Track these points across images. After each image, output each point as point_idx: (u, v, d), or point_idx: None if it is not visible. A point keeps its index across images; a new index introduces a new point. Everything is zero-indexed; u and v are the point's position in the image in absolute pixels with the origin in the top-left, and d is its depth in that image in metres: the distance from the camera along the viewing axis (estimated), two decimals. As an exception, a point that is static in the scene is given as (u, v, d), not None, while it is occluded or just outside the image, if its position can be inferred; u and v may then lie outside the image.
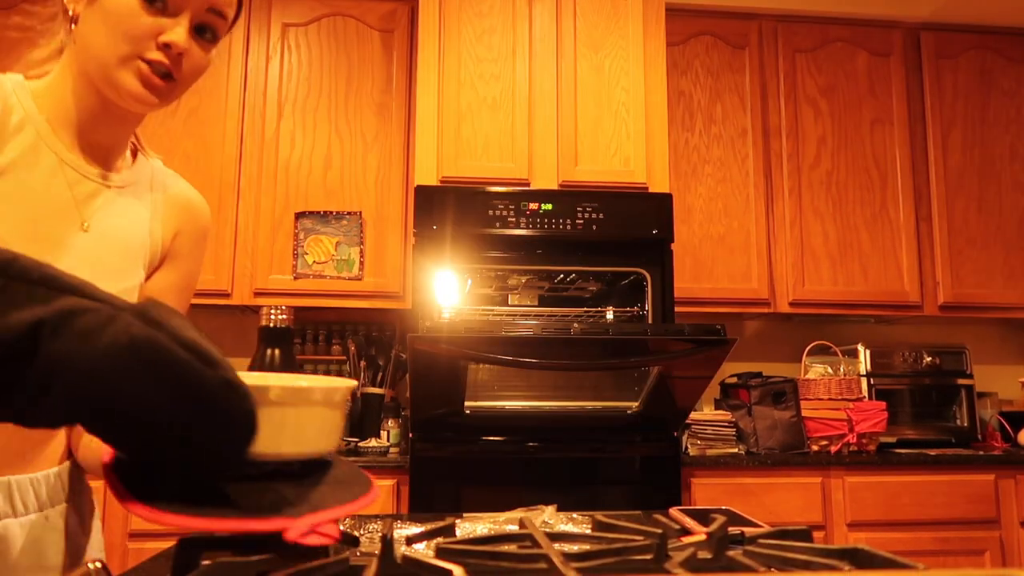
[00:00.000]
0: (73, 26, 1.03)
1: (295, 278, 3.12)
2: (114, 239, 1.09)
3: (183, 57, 1.01)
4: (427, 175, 2.86)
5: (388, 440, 3.07)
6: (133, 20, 0.98)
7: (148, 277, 1.17)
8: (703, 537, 0.88)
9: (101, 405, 0.57)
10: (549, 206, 2.80)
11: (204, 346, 0.61)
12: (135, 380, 0.57)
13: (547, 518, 1.08)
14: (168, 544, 0.88)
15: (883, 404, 3.09)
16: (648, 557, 0.79)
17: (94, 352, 0.56)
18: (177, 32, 1.00)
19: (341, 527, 1.02)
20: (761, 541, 0.88)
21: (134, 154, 1.17)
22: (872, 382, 3.29)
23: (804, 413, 3.08)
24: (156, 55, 0.99)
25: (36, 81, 1.07)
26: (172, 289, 1.19)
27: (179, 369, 0.59)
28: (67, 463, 1.13)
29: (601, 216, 2.81)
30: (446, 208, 2.78)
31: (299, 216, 3.17)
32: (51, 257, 0.99)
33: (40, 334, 0.56)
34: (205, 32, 1.04)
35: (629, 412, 2.67)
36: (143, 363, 0.57)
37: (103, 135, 1.08)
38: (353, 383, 0.78)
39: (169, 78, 1.01)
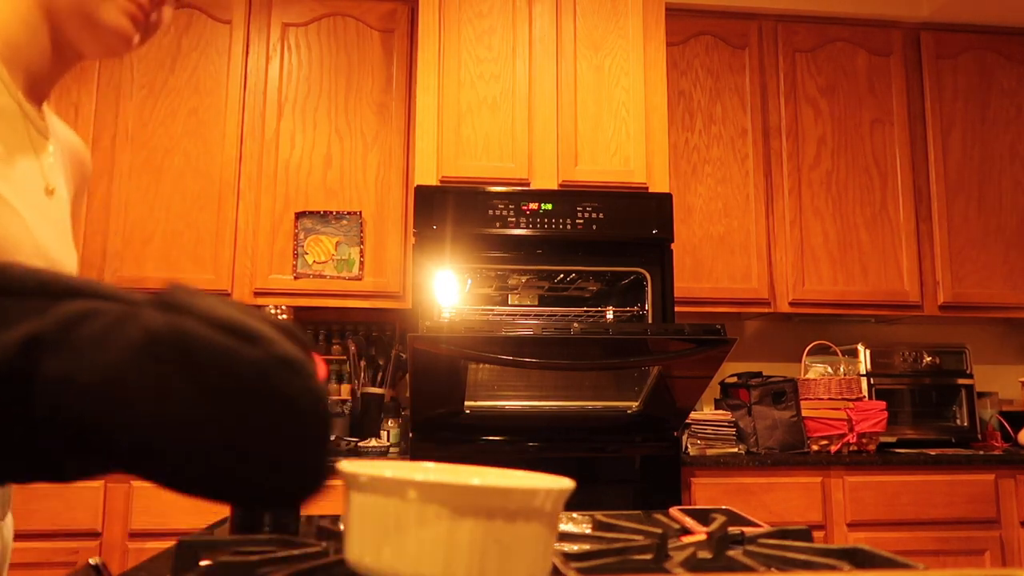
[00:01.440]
0: None
1: (295, 278, 3.12)
2: (64, 205, 0.96)
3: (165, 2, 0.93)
4: (427, 175, 2.86)
5: (388, 440, 3.07)
6: None
7: None
8: (703, 537, 0.88)
9: (127, 431, 0.43)
10: (549, 206, 2.80)
11: (245, 321, 0.45)
12: (161, 385, 0.42)
13: (547, 518, 1.08)
14: (168, 544, 0.89)
15: (883, 404, 3.09)
16: (648, 557, 0.79)
17: (104, 361, 0.42)
18: None
19: (341, 527, 1.02)
20: (761, 541, 0.88)
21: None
22: (872, 382, 3.28)
23: (804, 413, 3.08)
24: None
25: None
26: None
27: (213, 356, 0.44)
28: None
29: (601, 216, 2.81)
30: (446, 208, 2.78)
31: (299, 216, 3.17)
32: (34, 218, 0.86)
33: (35, 352, 0.42)
34: None
35: (629, 412, 2.67)
36: (167, 361, 0.43)
37: (49, 79, 0.94)
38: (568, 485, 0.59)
39: (146, 21, 0.92)
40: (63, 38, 0.91)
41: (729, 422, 3.03)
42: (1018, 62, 3.62)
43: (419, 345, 2.25)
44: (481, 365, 2.52)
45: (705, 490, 2.84)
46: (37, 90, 0.92)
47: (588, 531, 0.95)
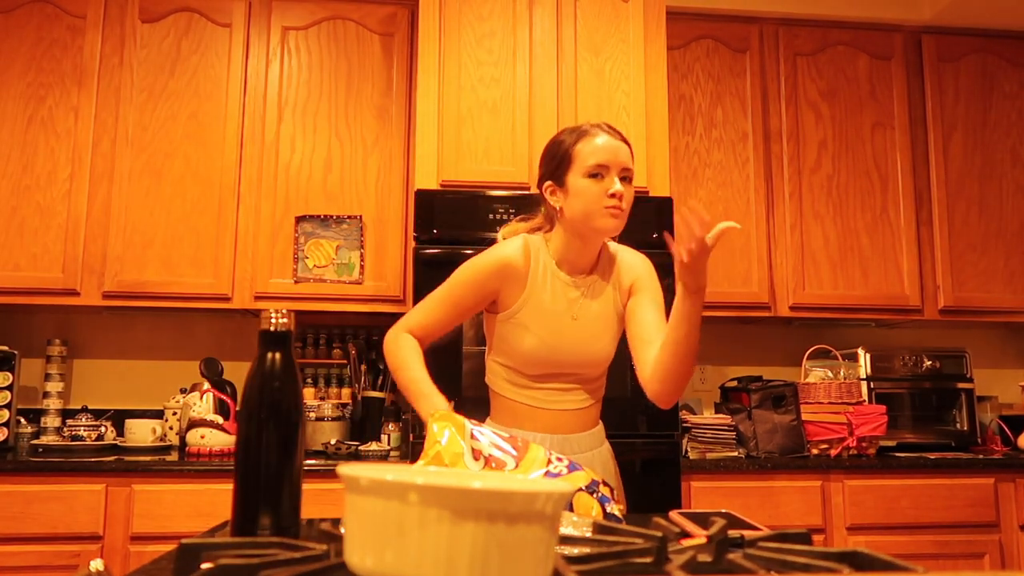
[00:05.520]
0: (559, 211, 1.72)
1: (296, 282, 3.12)
2: (594, 319, 1.74)
3: (622, 195, 1.65)
4: (427, 179, 2.86)
5: (389, 444, 3.07)
6: (591, 191, 1.66)
7: (628, 309, 1.77)
8: (703, 540, 0.88)
9: None
10: (549, 210, 2.80)
11: None
12: None
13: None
14: (169, 547, 0.89)
15: (883, 408, 3.09)
16: (648, 560, 0.79)
17: None
18: (616, 184, 1.64)
19: (342, 530, 1.03)
20: (761, 544, 0.88)
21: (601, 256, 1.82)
22: (872, 386, 3.28)
23: (804, 417, 3.08)
24: (611, 202, 1.64)
25: (547, 235, 1.79)
26: (650, 306, 1.73)
27: None
28: None
29: (601, 220, 2.80)
30: (447, 212, 2.78)
31: (299, 220, 3.17)
32: (556, 340, 1.70)
33: None
34: (625, 179, 1.67)
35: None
36: None
37: (583, 259, 1.75)
38: (569, 488, 0.62)
39: (619, 213, 1.65)
40: (583, 238, 1.71)
41: (729, 426, 3.03)
42: (1020, 66, 3.63)
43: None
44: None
45: (705, 494, 2.84)
46: (580, 264, 1.75)
47: (588, 534, 0.96)
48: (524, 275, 1.73)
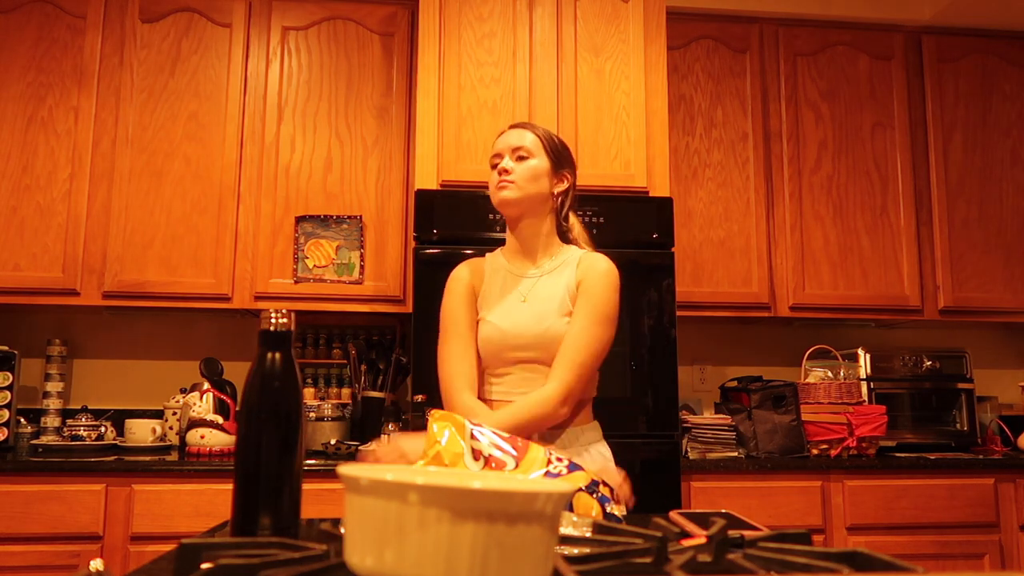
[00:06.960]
0: None
1: (295, 282, 3.12)
2: (542, 303, 1.79)
3: (509, 172, 1.81)
4: (427, 179, 2.86)
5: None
6: (491, 179, 1.86)
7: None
8: (703, 540, 0.88)
9: None
10: (549, 210, 2.79)
11: None
12: None
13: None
14: (169, 547, 0.89)
15: (883, 408, 3.09)
16: (648, 560, 0.79)
17: None
18: (502, 163, 1.83)
19: (342, 530, 1.03)
20: (761, 544, 0.88)
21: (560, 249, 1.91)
22: (872, 386, 3.28)
23: (804, 417, 3.08)
24: (496, 177, 1.83)
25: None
26: (578, 313, 1.75)
27: None
28: None
29: (601, 220, 2.81)
30: (446, 212, 2.78)
31: (299, 220, 3.17)
32: (508, 322, 1.78)
33: None
34: (520, 158, 1.82)
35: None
36: None
37: (524, 247, 1.87)
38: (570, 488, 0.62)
39: (506, 185, 1.81)
40: (509, 227, 1.90)
41: (729, 426, 3.03)
42: (1020, 66, 3.62)
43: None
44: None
45: (705, 494, 2.84)
46: (522, 252, 1.87)
47: (588, 534, 0.96)
48: (480, 280, 1.90)
